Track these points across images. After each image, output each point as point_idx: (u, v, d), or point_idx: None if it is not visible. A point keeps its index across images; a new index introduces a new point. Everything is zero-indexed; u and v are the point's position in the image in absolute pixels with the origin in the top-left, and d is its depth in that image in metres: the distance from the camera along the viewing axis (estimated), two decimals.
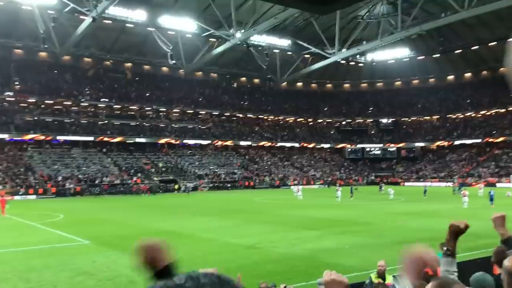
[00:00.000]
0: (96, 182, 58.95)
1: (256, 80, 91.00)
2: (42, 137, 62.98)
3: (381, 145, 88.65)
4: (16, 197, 50.35)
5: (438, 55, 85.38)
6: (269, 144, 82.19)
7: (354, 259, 15.29)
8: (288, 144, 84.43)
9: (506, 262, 2.91)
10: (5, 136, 60.26)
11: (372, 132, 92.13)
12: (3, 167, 56.84)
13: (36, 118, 64.94)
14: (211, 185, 65.97)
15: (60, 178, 57.49)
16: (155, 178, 64.13)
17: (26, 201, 47.92)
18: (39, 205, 41.40)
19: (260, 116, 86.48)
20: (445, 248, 2.73)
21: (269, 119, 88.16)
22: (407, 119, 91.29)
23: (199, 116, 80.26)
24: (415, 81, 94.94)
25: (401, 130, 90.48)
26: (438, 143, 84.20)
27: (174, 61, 67.49)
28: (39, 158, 61.65)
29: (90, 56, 74.96)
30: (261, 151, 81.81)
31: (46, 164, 60.83)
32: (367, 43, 74.22)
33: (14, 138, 60.94)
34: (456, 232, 2.70)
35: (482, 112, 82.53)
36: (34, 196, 52.06)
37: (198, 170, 69.79)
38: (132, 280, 13.13)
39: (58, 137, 64.47)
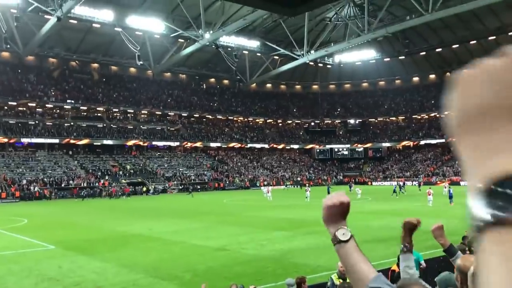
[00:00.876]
0: (63, 185, 57.71)
1: (225, 81, 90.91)
2: (5, 140, 61.18)
3: (348, 145, 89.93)
4: None
5: (403, 57, 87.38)
6: (239, 145, 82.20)
7: (322, 259, 15.48)
8: (257, 145, 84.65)
9: (458, 261, 3.06)
10: None
11: (340, 133, 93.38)
12: None
13: None
14: (180, 187, 65.46)
15: (24, 181, 55.97)
16: (123, 181, 63.20)
17: None
18: (2, 210, 40.20)
19: (229, 117, 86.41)
20: (402, 245, 2.86)
21: (239, 120, 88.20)
22: (374, 119, 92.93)
23: (168, 117, 79.56)
24: (382, 83, 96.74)
25: (368, 131, 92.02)
26: (404, 143, 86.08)
27: (142, 62, 66.68)
28: (2, 162, 59.82)
29: (55, 57, 73.24)
30: (231, 152, 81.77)
31: (10, 168, 59.12)
32: (335, 45, 75.22)
33: None
34: (410, 229, 2.83)
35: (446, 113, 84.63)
36: None
37: (167, 172, 69.17)
38: (98, 286, 12.95)
39: (22, 140, 62.72)
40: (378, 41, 78.98)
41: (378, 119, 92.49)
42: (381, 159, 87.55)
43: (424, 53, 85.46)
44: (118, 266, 15.35)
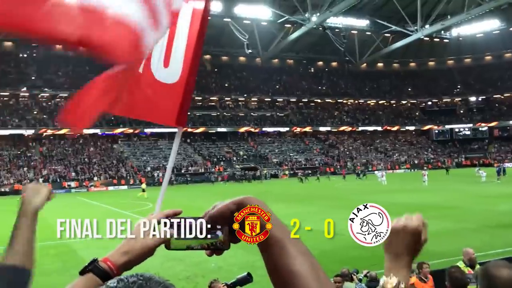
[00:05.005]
0: (182, 171, 61.39)
1: (334, 64, 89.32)
2: (131, 130, 66.61)
3: (471, 125, 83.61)
4: (110, 188, 53.94)
5: None
6: (350, 128, 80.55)
7: (443, 245, 14.60)
8: (370, 128, 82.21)
9: None
10: (97, 131, 64.47)
11: (461, 112, 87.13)
12: (97, 159, 60.98)
13: None
14: (291, 172, 66.08)
15: (148, 168, 60.55)
16: (237, 166, 65.51)
17: (119, 191, 51.06)
18: (130, 194, 43.91)
19: (339, 100, 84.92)
20: None
21: (349, 102, 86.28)
22: (499, 95, 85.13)
23: (277, 103, 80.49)
24: (508, 55, 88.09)
25: (493, 108, 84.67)
26: None
27: (250, 50, 68.11)
28: (129, 150, 65.32)
29: None
30: (341, 136, 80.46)
31: (136, 156, 64.31)
32: (452, 17, 69.95)
33: (106, 132, 64.97)
34: None
35: None
36: (125, 187, 55.34)
37: (277, 157, 70.22)
38: (219, 266, 13.57)
39: (146, 130, 67.80)
40: (502, 9, 71.64)
41: (505, 94, 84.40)
42: (509, 139, 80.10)
43: None
44: (236, 247, 15.87)
